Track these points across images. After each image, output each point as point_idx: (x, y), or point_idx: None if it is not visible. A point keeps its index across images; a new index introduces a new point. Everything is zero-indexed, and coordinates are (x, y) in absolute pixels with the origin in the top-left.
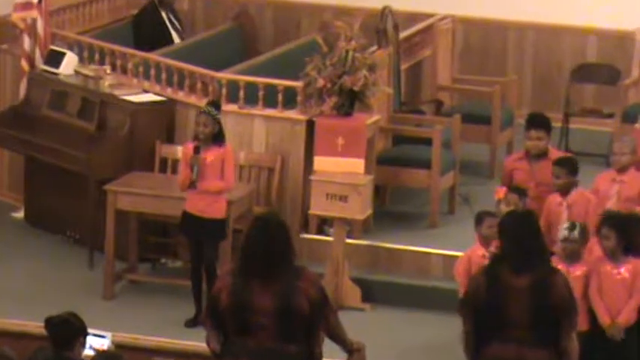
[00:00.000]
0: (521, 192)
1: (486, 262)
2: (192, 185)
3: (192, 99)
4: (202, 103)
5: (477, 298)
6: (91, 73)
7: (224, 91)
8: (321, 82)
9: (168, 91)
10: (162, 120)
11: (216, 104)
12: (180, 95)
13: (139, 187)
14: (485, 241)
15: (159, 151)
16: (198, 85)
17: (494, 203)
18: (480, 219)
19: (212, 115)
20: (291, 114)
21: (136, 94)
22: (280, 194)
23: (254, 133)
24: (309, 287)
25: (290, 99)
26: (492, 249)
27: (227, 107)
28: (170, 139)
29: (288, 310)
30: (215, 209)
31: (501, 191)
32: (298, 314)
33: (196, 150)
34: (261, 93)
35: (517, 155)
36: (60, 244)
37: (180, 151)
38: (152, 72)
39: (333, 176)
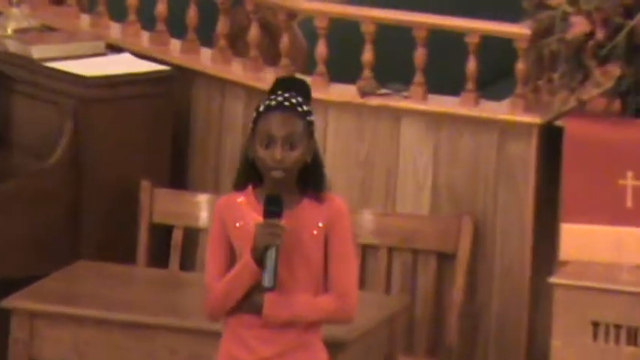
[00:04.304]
0: None
1: None
2: (250, 306)
3: (236, 70)
4: (258, 79)
5: None
6: None
7: (321, 47)
8: (581, 27)
9: (172, 47)
10: (157, 124)
11: (302, 86)
12: (204, 60)
13: (94, 303)
14: None
15: (147, 208)
16: (253, 34)
17: None
18: None
19: (304, 114)
20: (498, 109)
21: (90, 56)
22: (475, 327)
23: (400, 157)
24: None
25: (490, 72)
26: None
27: (325, 93)
28: (179, 174)
29: None
30: None
31: None
32: None
33: (272, 206)
34: (419, 53)
35: None
36: None
37: (203, 206)
38: (131, 0)
39: (613, 277)
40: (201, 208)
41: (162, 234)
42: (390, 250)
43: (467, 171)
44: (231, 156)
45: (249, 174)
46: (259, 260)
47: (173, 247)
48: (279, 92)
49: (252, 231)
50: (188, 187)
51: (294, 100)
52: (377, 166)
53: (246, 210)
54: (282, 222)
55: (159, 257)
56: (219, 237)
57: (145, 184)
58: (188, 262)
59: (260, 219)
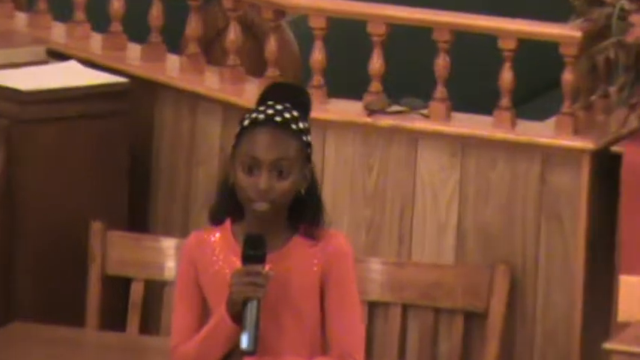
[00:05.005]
0: None
1: None
2: None
3: (211, 82)
4: (243, 96)
5: None
6: None
7: (318, 53)
8: None
9: (131, 53)
10: (112, 150)
11: (300, 96)
12: (170, 69)
13: None
14: None
15: (99, 256)
16: (232, 37)
17: None
18: None
19: (299, 133)
20: (540, 131)
21: (27, 64)
22: None
23: (417, 191)
24: None
25: (529, 86)
26: None
27: (323, 111)
28: (139, 214)
29: None
30: None
31: None
32: None
33: (252, 249)
34: (441, 61)
35: None
36: None
37: (169, 253)
38: None
39: None
40: (167, 255)
41: (117, 288)
42: (405, 308)
43: (501, 209)
44: (205, 190)
45: (229, 204)
46: (237, 316)
47: (132, 305)
48: (270, 103)
49: (228, 278)
50: (150, 230)
51: (287, 115)
52: (388, 202)
53: (221, 250)
54: (266, 268)
55: (114, 318)
56: (188, 285)
57: (96, 226)
58: (150, 323)
59: (239, 263)
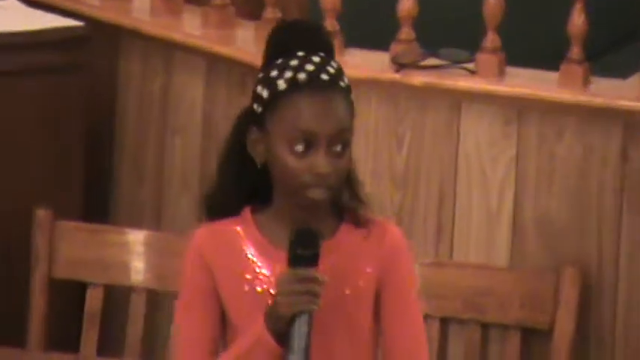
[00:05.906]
0: None
1: None
2: None
3: (190, 26)
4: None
5: None
6: None
7: None
8: None
9: None
10: (62, 115)
11: (321, 37)
12: (138, 11)
13: None
14: None
15: (44, 254)
16: None
17: None
18: None
19: (347, 91)
20: (622, 92)
21: None
22: None
23: (459, 170)
24: None
25: (607, 33)
26: None
27: (354, 57)
28: (97, 199)
29: None
30: None
31: None
32: None
33: (306, 248)
34: (492, 1)
35: None
36: None
37: (137, 249)
38: None
39: None
40: (133, 253)
41: (68, 296)
42: (446, 322)
43: (569, 194)
44: (183, 167)
45: (248, 189)
46: (280, 334)
47: (87, 318)
48: (301, 54)
49: (263, 286)
50: (112, 220)
51: (331, 69)
52: (423, 184)
53: (245, 248)
54: (319, 271)
55: (64, 333)
56: (201, 294)
57: (41, 214)
58: (111, 341)
59: (271, 264)
